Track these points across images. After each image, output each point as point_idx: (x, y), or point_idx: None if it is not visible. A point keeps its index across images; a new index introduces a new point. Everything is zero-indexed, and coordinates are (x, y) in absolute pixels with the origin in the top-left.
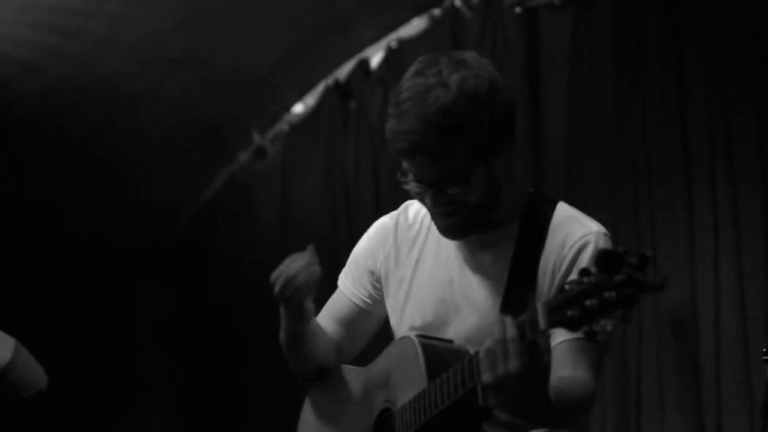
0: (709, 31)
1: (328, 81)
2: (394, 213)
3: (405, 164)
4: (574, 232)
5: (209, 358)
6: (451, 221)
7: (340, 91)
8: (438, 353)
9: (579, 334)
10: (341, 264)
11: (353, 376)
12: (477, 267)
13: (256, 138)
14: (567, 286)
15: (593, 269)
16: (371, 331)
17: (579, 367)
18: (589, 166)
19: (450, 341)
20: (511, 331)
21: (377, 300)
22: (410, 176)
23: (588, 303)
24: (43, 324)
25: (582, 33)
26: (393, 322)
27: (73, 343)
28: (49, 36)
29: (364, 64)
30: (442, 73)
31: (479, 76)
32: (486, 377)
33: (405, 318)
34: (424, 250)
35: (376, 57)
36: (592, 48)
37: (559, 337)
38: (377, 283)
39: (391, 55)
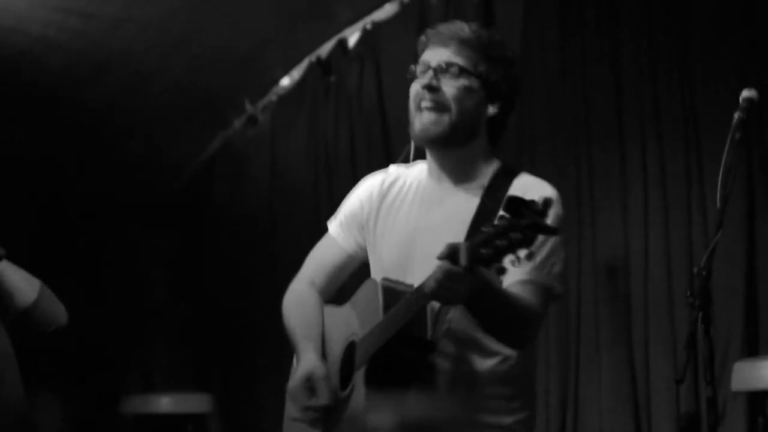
0: (641, 15)
1: (311, 58)
2: (380, 172)
3: (424, 56)
4: (532, 190)
5: (209, 294)
6: (431, 119)
7: (322, 66)
8: (395, 293)
9: (526, 276)
10: (321, 216)
11: (333, 317)
12: (442, 219)
13: (249, 107)
14: (483, 228)
15: (504, 214)
16: (349, 274)
17: (526, 296)
18: (537, 131)
19: (410, 285)
20: (444, 265)
21: (362, 247)
22: (420, 68)
23: (498, 243)
24: (62, 265)
25: (532, 17)
26: (371, 266)
27: (88, 283)
28: (71, 17)
29: (342, 43)
30: None
31: (515, 51)
32: (426, 299)
33: (378, 262)
34: (403, 205)
35: (353, 37)
36: (541, 30)
37: (507, 279)
38: (363, 232)
39: (366, 35)
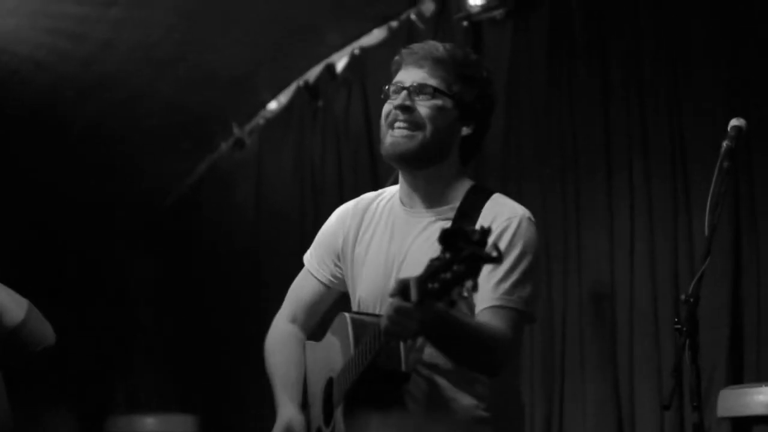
0: (628, 43)
1: (299, 82)
2: (354, 200)
3: (398, 76)
4: (501, 215)
5: (194, 316)
6: (403, 135)
7: (310, 91)
8: (364, 325)
9: (496, 302)
10: (307, 242)
11: (314, 351)
12: (417, 245)
13: (236, 131)
14: (429, 263)
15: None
16: (329, 306)
17: (493, 322)
18: (523, 157)
19: (379, 316)
20: (395, 302)
21: (339, 278)
22: (393, 88)
23: (443, 276)
24: (50, 286)
25: (520, 43)
26: (351, 296)
27: (74, 302)
28: (60, 39)
29: (330, 68)
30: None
31: (490, 71)
32: (384, 339)
33: (356, 293)
34: (377, 231)
35: (341, 62)
36: (529, 56)
37: (478, 306)
38: (339, 261)
39: (354, 60)
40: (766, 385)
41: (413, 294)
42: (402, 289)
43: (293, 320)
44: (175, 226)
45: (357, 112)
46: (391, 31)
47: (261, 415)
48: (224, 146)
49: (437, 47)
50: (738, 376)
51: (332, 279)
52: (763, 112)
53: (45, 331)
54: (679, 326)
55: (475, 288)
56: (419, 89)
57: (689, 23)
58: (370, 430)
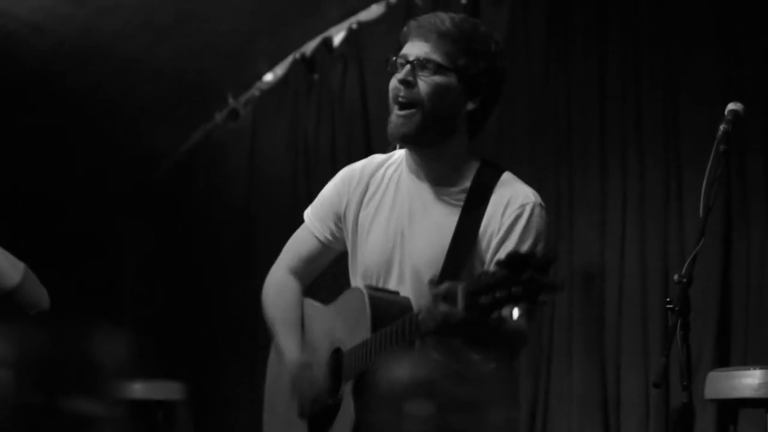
0: (626, 25)
1: (295, 55)
2: (361, 161)
3: (404, 49)
4: (514, 201)
5: (184, 283)
6: (402, 115)
7: (306, 64)
8: (383, 305)
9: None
10: (299, 211)
11: (315, 312)
12: (427, 221)
13: (231, 101)
14: (482, 276)
15: (503, 268)
16: (326, 264)
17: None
18: (518, 138)
19: (396, 293)
20: (444, 308)
21: (338, 238)
22: (399, 61)
23: (498, 294)
24: (39, 251)
25: (518, 22)
26: (349, 260)
27: (67, 267)
28: (60, 3)
29: (327, 41)
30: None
31: (499, 43)
32: (421, 335)
33: (358, 259)
34: (384, 200)
35: (338, 36)
36: (526, 36)
37: None
38: (339, 222)
39: (351, 35)
40: (754, 368)
41: (460, 303)
42: (450, 294)
43: (291, 272)
44: (168, 193)
45: (353, 86)
46: (389, 6)
47: (250, 383)
48: (219, 116)
49: (444, 20)
50: (725, 359)
51: (331, 239)
52: (757, 97)
53: (41, 294)
54: (671, 306)
55: (531, 312)
56: (422, 64)
57: (686, 7)
58: (381, 408)
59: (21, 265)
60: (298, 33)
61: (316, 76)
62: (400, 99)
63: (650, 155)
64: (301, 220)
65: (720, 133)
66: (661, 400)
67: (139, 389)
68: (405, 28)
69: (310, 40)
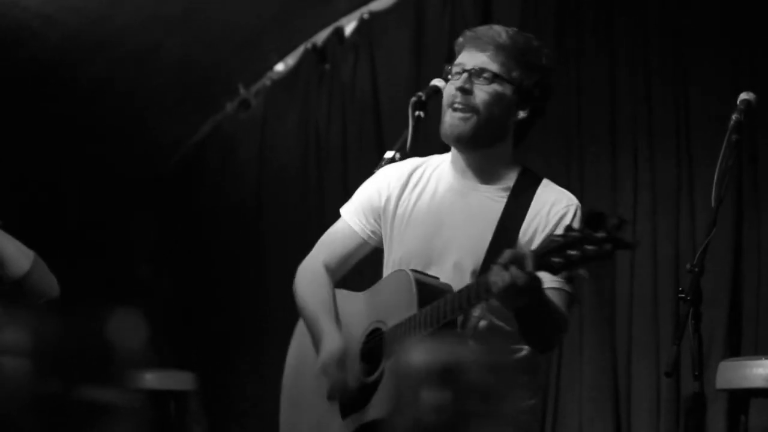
0: (637, 17)
1: (307, 45)
2: (399, 162)
3: (460, 57)
4: (560, 201)
5: (194, 274)
6: (459, 117)
7: (317, 54)
8: (428, 286)
9: (556, 284)
10: (309, 202)
11: (346, 299)
12: (467, 215)
13: (242, 91)
14: (554, 238)
15: (579, 226)
16: (357, 261)
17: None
18: (529, 132)
19: (436, 278)
20: (514, 271)
21: (377, 234)
22: (455, 69)
23: (571, 253)
24: (50, 240)
25: (529, 15)
26: (386, 252)
27: (77, 258)
28: None
29: (339, 31)
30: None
31: (550, 57)
32: (487, 297)
33: (394, 250)
34: (425, 192)
35: (350, 26)
36: (537, 29)
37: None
38: (378, 219)
39: (363, 24)
40: (766, 358)
41: (529, 265)
42: (517, 258)
43: (325, 265)
44: (179, 184)
45: (364, 76)
46: None
47: (260, 373)
48: (229, 107)
49: (500, 33)
50: (735, 350)
51: (370, 234)
52: None
53: (50, 283)
54: (683, 296)
55: (600, 273)
56: (479, 73)
57: None
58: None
59: (31, 253)
60: (309, 23)
61: (327, 66)
62: (456, 105)
63: (661, 146)
64: (312, 210)
65: (732, 122)
66: (672, 389)
67: (150, 379)
68: (461, 39)
69: (321, 30)
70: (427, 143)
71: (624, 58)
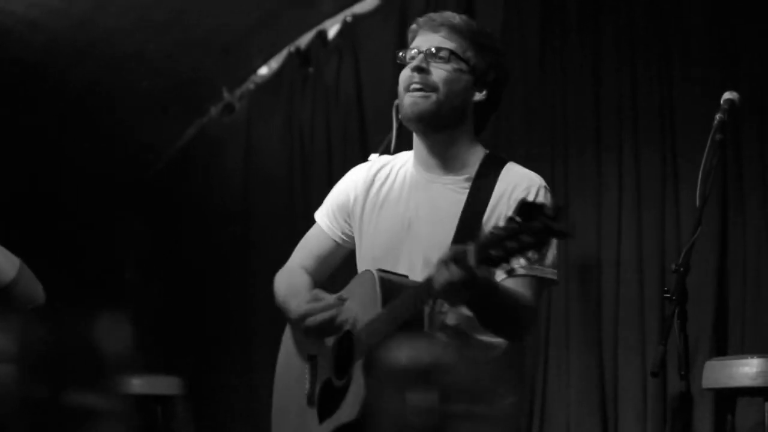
0: (621, 14)
1: (290, 48)
2: (367, 162)
3: (414, 42)
4: (521, 183)
5: (181, 278)
6: (419, 96)
7: (301, 57)
8: (394, 284)
9: (522, 271)
10: (295, 205)
11: None
12: (431, 209)
13: (226, 95)
14: (493, 230)
15: (516, 217)
16: (338, 263)
17: (520, 289)
18: (513, 128)
19: (405, 276)
20: (454, 269)
21: (350, 236)
22: (410, 54)
23: (508, 244)
24: (36, 246)
25: (512, 12)
26: (357, 253)
27: (63, 263)
28: None
29: (322, 34)
30: None
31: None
32: (433, 297)
33: (366, 249)
34: (390, 192)
35: (333, 29)
36: (521, 25)
37: (500, 275)
38: (349, 219)
39: (346, 28)
40: (752, 357)
41: (471, 260)
42: (459, 254)
43: (302, 267)
44: (165, 187)
45: (348, 79)
46: None
47: (248, 378)
48: (214, 110)
49: (453, 15)
50: (722, 349)
51: (343, 236)
52: (753, 87)
53: (36, 290)
54: (668, 295)
55: (541, 259)
56: (435, 52)
57: None
58: (389, 388)
59: (16, 261)
60: (292, 26)
61: (311, 70)
62: (414, 85)
63: (646, 145)
64: (297, 214)
65: (716, 122)
66: (658, 389)
67: (137, 384)
68: (413, 26)
69: (304, 33)
70: (411, 145)
71: (608, 56)
